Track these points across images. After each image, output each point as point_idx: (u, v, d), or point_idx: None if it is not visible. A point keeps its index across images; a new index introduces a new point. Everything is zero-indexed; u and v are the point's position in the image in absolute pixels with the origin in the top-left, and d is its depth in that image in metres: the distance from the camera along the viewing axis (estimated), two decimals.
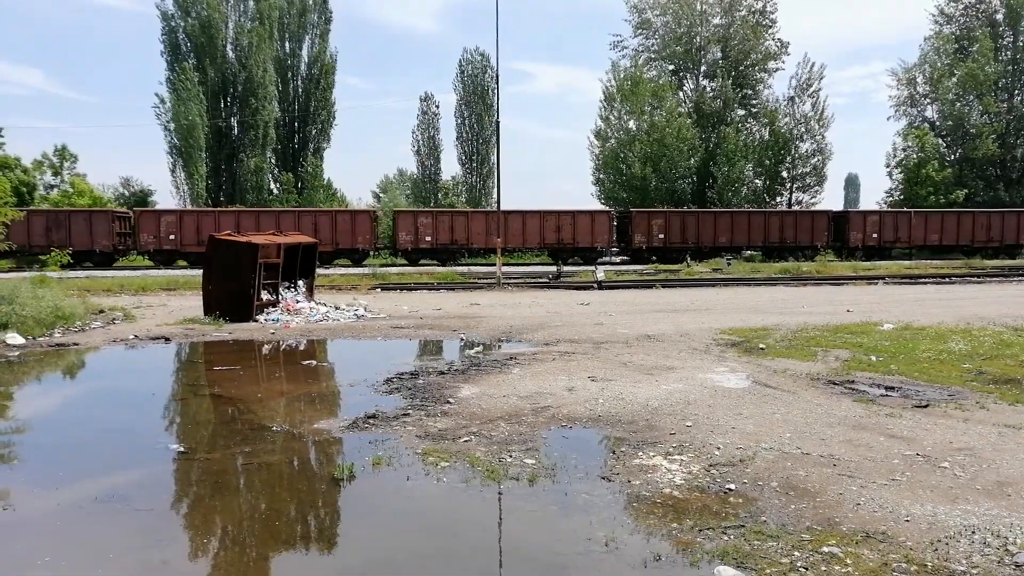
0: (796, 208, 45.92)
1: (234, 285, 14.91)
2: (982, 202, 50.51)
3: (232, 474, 5.76)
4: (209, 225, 33.77)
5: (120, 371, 10.88)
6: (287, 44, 55.21)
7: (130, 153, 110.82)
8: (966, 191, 50.82)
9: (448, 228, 37.20)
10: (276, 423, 7.08)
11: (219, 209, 40.56)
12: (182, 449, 6.29)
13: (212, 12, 49.64)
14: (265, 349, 12.22)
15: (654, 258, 38.44)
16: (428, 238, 36.92)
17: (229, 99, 51.97)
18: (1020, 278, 28.64)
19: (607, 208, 38.50)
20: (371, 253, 37.66)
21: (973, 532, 4.31)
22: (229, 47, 51.61)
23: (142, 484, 5.53)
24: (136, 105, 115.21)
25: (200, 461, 6.02)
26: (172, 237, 34.91)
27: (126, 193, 51.60)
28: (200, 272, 16.68)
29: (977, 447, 5.98)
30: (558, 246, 38.09)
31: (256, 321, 14.77)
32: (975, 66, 51.72)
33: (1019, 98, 55.26)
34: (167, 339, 12.81)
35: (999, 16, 55.02)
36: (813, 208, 45.89)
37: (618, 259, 39.90)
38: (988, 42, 52.74)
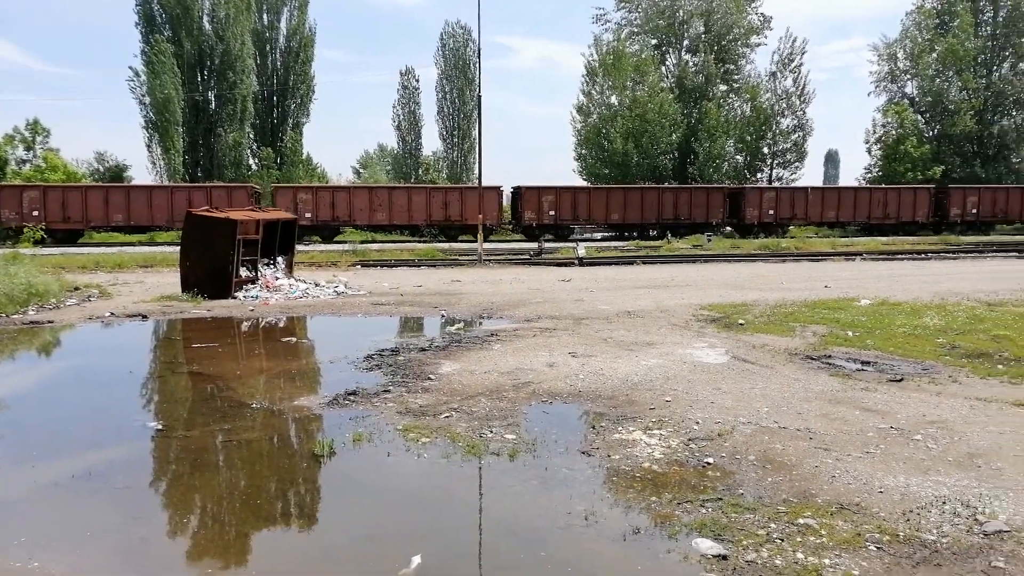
0: (692, 184, 44.54)
1: (212, 262, 14.76)
2: (958, 178, 50.98)
3: (211, 451, 5.74)
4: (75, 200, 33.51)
5: (96, 349, 10.77)
6: (265, 16, 54.32)
7: (105, 127, 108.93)
8: (943, 167, 51.26)
9: (329, 204, 36.21)
10: (256, 400, 7.05)
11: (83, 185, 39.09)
12: (160, 427, 6.25)
13: None
14: (244, 326, 12.14)
15: (548, 236, 36.65)
16: (308, 214, 35.45)
17: (206, 72, 51.09)
18: (994, 254, 29.05)
19: (496, 185, 37.69)
20: None
21: (944, 502, 4.40)
22: (206, 19, 50.63)
23: (120, 462, 5.50)
24: (111, 78, 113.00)
25: (179, 439, 5.98)
26: (35, 213, 33.68)
27: (101, 168, 50.73)
28: (176, 248, 16.49)
29: (949, 420, 6.09)
30: (446, 223, 36.97)
31: (235, 298, 14.65)
32: (955, 42, 51.91)
33: (997, 74, 55.63)
34: (144, 316, 12.68)
35: None
36: (710, 184, 44.30)
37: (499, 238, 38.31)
38: (968, 17, 52.89)
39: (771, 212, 40.20)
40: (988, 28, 55.23)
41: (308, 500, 4.94)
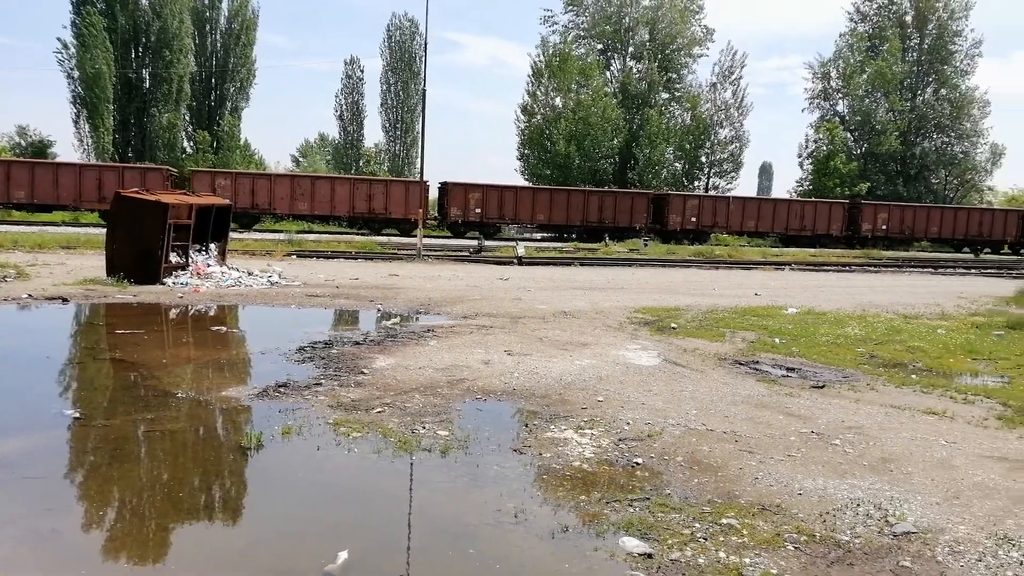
0: (616, 188, 43.99)
1: (140, 246, 14.25)
2: (882, 195, 53.20)
3: (132, 442, 5.54)
4: None
5: (10, 332, 10.26)
6: None
7: (29, 100, 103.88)
8: (868, 184, 53.44)
9: (249, 191, 34.62)
10: (181, 390, 6.84)
11: None
12: (78, 415, 5.99)
13: None
14: (172, 313, 11.77)
15: (473, 233, 36.68)
16: (226, 201, 34.39)
17: (141, 49, 49.32)
18: (912, 268, 30.45)
19: (423, 180, 37.61)
20: None
21: (858, 505, 4.58)
22: None
23: (32, 452, 5.26)
24: (37, 49, 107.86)
25: (97, 428, 5.76)
26: None
27: (23, 143, 48.35)
28: (101, 230, 15.86)
29: (865, 426, 6.35)
30: (370, 215, 36.30)
31: (163, 284, 14.18)
32: (884, 64, 54.20)
33: (921, 98, 58.29)
34: (65, 300, 12.15)
35: (908, 18, 57.72)
36: (635, 190, 44.23)
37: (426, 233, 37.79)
38: (897, 42, 55.31)
39: (694, 219, 40.80)
40: (914, 54, 57.84)
41: (233, 493, 4.82)
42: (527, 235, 39.92)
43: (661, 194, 42.70)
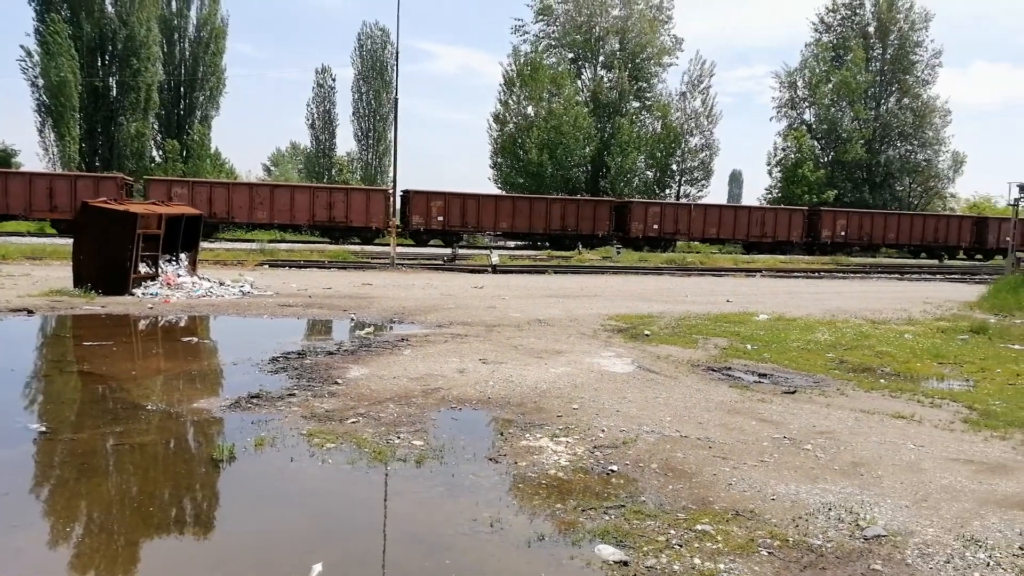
0: (580, 196, 43.99)
1: (109, 256, 14.02)
2: (849, 202, 54.18)
3: (101, 456, 5.44)
4: None
5: None
6: (174, 3, 52.17)
7: None
8: (836, 192, 54.38)
9: (207, 200, 33.78)
10: (152, 402, 6.73)
11: None
12: (44, 429, 5.87)
13: None
14: (142, 324, 11.59)
15: (436, 241, 36.91)
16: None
17: (107, 57, 48.60)
18: (879, 275, 31.00)
19: (384, 187, 37.20)
20: None
21: (830, 509, 4.64)
22: (108, 1, 48.14)
23: None
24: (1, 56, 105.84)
25: (65, 442, 5.65)
26: None
27: None
28: (67, 241, 15.59)
29: (836, 430, 6.44)
30: (330, 224, 36.18)
31: (132, 295, 13.96)
32: (848, 74, 55.32)
33: (885, 107, 59.52)
34: (30, 311, 11.91)
35: (870, 29, 58.96)
36: (597, 197, 44.23)
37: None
38: (861, 52, 56.49)
39: (656, 226, 41.12)
40: (877, 64, 59.09)
41: (205, 507, 4.75)
42: (500, 243, 39.91)
43: (623, 201, 42.94)
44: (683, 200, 48.80)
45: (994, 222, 47.74)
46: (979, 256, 47.13)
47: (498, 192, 38.84)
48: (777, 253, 41.54)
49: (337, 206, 36.12)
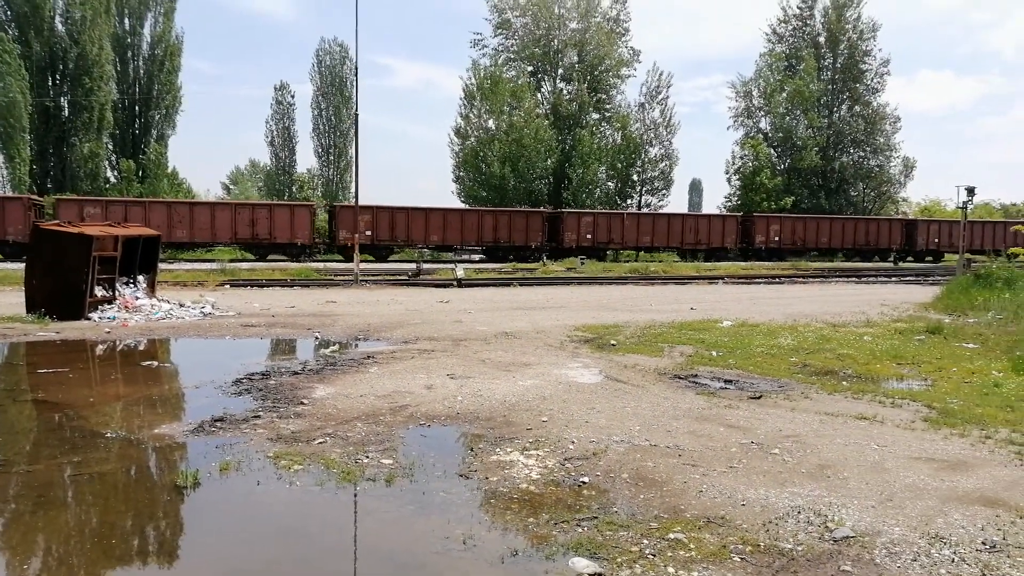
0: (512, 208, 43.36)
1: (63, 280, 13.67)
2: (807, 208, 55.28)
3: (58, 487, 5.28)
4: None
5: None
6: (127, 21, 51.28)
7: None
8: (793, 198, 55.46)
9: (122, 219, 31.18)
10: (111, 429, 6.56)
11: None
12: None
13: None
14: (99, 349, 11.31)
15: (364, 256, 34.84)
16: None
17: (59, 77, 47.53)
18: (838, 278, 31.65)
19: (309, 203, 36.35)
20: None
21: (799, 512, 4.70)
22: (58, 19, 47.16)
23: None
24: None
25: (19, 474, 5.47)
26: None
27: None
28: (23, 265, 15.17)
29: (802, 434, 6.53)
30: (254, 241, 35.35)
31: (89, 319, 13.62)
32: (801, 83, 56.61)
33: (837, 115, 61.00)
34: None
35: (821, 39, 60.46)
36: (529, 209, 43.86)
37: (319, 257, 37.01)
38: (812, 62, 57.88)
39: (589, 236, 40.91)
40: (829, 73, 60.59)
41: (169, 535, 4.63)
42: (465, 257, 39.74)
43: (555, 212, 42.79)
44: (607, 210, 48.06)
45: (923, 224, 49.01)
46: (910, 258, 48.05)
47: (427, 205, 38.06)
48: (712, 260, 41.71)
49: (260, 223, 35.36)
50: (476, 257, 39.08)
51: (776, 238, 45.08)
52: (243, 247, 35.67)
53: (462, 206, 39.57)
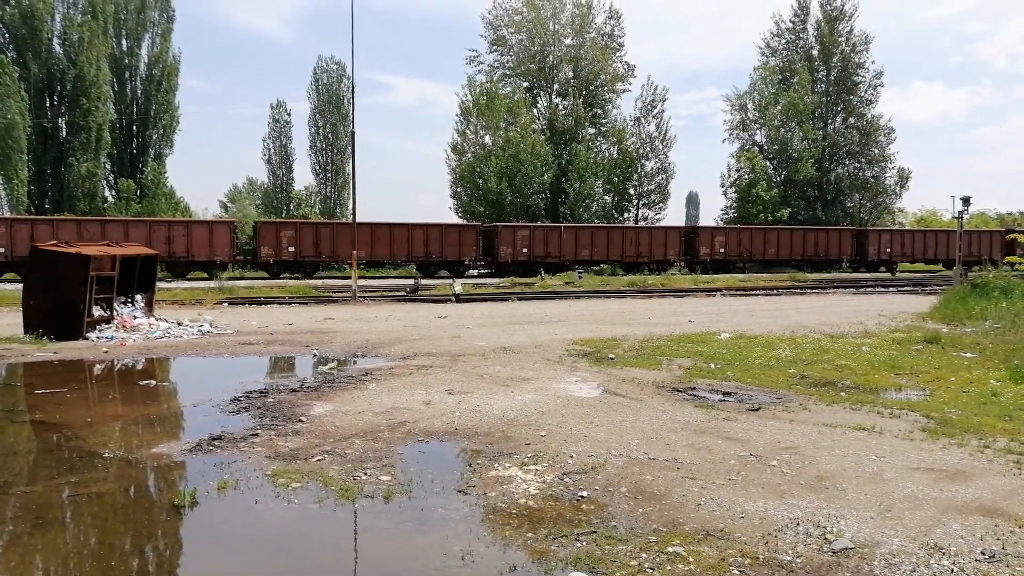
0: (443, 222, 41.96)
1: (60, 300, 13.68)
2: (803, 220, 55.44)
3: (57, 508, 5.27)
4: None
5: None
6: (124, 42, 51.53)
7: None
8: (789, 210, 55.64)
9: (51, 237, 30.70)
10: (109, 449, 6.55)
11: None
12: None
13: (35, 2, 45.42)
14: (97, 369, 11.29)
15: (287, 274, 35.57)
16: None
17: (56, 98, 47.71)
18: (835, 289, 31.72)
19: (229, 219, 35.50)
20: None
21: (798, 524, 4.69)
22: (56, 41, 47.42)
23: None
24: None
25: (17, 495, 5.45)
26: None
27: None
28: (19, 287, 15.18)
29: (801, 445, 6.53)
30: (170, 259, 33.80)
31: (87, 339, 13.62)
32: (796, 96, 56.93)
33: (832, 127, 61.32)
34: None
35: (814, 52, 60.89)
36: (463, 223, 43.53)
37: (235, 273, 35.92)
38: (806, 75, 58.25)
39: (525, 250, 39.91)
40: (823, 85, 60.97)
41: (168, 555, 4.62)
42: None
43: (490, 225, 41.77)
44: (545, 223, 46.99)
45: (873, 234, 48.77)
46: (862, 268, 47.39)
47: (349, 220, 37.21)
48: (655, 273, 40.86)
49: (177, 240, 34.45)
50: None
51: (721, 250, 44.49)
52: (165, 264, 33.76)
53: (392, 220, 38.56)
